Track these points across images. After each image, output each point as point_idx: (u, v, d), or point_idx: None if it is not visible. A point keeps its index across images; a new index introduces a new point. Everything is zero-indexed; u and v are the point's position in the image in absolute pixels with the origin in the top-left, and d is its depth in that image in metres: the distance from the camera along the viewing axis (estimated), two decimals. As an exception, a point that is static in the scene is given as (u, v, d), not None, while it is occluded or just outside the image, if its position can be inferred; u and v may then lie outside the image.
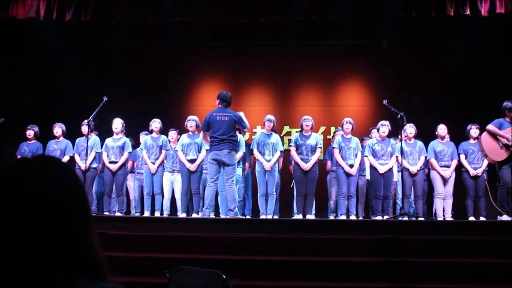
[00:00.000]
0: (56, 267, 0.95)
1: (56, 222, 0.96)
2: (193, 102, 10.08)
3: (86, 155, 7.52)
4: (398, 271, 4.68)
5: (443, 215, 7.46)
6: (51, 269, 0.94)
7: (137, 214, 7.85)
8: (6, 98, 8.82)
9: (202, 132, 7.13)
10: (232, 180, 6.71)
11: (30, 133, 7.97)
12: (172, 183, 7.90)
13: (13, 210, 0.94)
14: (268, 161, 7.51)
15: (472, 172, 7.40)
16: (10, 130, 8.12)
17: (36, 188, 0.97)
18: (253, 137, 7.89)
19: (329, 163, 8.28)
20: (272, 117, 7.82)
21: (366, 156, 7.54)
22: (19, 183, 0.97)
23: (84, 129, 7.72)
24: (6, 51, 8.88)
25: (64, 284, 0.94)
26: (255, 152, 7.63)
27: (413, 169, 7.44)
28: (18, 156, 7.85)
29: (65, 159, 7.69)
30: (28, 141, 7.98)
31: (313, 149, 7.46)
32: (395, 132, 7.64)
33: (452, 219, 7.37)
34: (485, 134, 6.72)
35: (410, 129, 7.54)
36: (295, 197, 7.72)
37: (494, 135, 6.58)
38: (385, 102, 7.23)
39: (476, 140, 7.33)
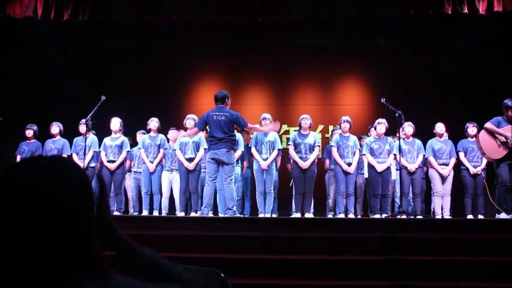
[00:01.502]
0: (64, 268, 0.95)
1: (64, 222, 0.97)
2: (192, 101, 10.08)
3: (84, 154, 7.52)
4: (397, 269, 4.69)
5: (442, 213, 7.47)
6: (59, 270, 0.95)
7: (135, 213, 7.85)
8: (5, 97, 8.80)
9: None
10: (231, 179, 6.71)
11: (29, 132, 7.96)
12: (171, 182, 7.89)
13: (21, 210, 0.95)
14: (265, 159, 7.52)
15: (472, 170, 7.41)
16: (9, 130, 8.10)
17: (46, 188, 0.97)
18: (251, 136, 7.88)
19: (327, 161, 8.28)
20: (267, 115, 7.78)
21: (363, 154, 7.54)
22: (29, 183, 0.97)
23: (82, 128, 7.72)
24: (3, 50, 8.86)
25: (73, 285, 0.95)
26: (253, 150, 7.61)
27: (412, 167, 7.45)
28: (18, 156, 7.85)
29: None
30: (27, 141, 7.98)
31: (312, 148, 7.45)
32: (393, 130, 7.65)
33: (450, 217, 7.38)
34: (483, 132, 6.69)
35: (408, 127, 7.54)
36: (293, 196, 7.72)
37: (492, 134, 6.58)
38: (383, 100, 7.22)
39: (474, 138, 7.33)
